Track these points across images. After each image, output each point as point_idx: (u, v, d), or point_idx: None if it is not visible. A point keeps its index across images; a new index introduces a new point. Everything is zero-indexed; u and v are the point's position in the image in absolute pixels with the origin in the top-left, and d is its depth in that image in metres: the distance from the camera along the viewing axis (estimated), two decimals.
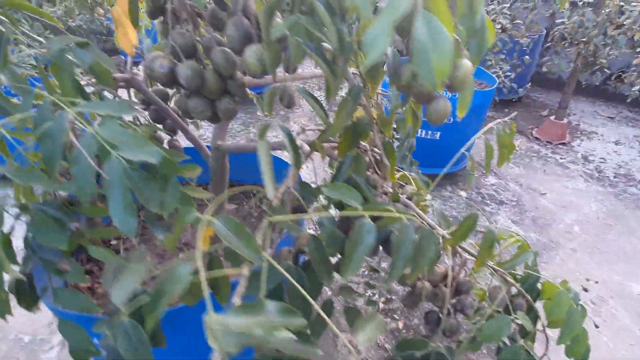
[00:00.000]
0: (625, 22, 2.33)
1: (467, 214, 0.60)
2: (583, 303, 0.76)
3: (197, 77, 0.60)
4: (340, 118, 0.53)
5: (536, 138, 2.98)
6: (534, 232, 2.02)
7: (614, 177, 2.51)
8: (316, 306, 0.44)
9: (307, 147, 0.68)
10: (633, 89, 2.56)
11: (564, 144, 2.91)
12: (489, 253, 0.64)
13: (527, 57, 2.92)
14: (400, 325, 1.43)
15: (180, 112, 0.71)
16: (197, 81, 0.61)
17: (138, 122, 0.84)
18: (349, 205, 0.48)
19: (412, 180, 0.82)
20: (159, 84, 0.91)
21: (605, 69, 2.71)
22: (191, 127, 0.91)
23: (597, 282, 1.57)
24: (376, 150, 0.65)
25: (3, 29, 0.54)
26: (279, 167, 1.15)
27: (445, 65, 0.33)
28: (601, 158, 2.73)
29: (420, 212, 0.58)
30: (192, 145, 0.95)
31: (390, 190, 0.69)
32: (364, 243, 0.45)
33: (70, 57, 0.56)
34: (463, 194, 2.29)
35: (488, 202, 2.26)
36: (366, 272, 1.66)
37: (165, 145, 0.95)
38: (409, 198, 0.72)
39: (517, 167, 2.61)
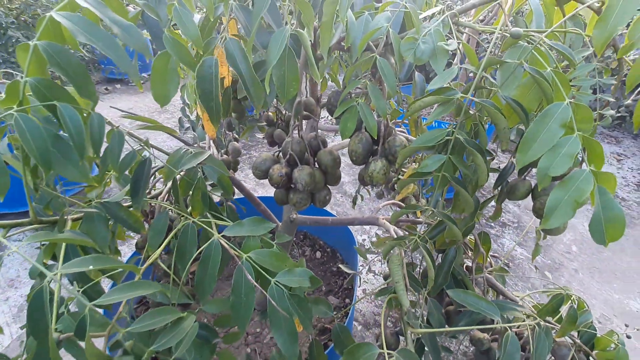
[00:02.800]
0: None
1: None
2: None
3: (312, 181, 0.64)
4: (463, 223, 0.59)
5: None
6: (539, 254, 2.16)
7: None
8: None
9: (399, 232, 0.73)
10: (608, 113, 2.79)
11: None
12: (572, 327, 0.71)
13: None
14: None
15: (276, 201, 0.74)
16: (311, 185, 0.64)
17: None
18: (483, 311, 0.54)
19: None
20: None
21: None
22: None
23: (630, 337, 1.72)
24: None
25: None
26: (349, 238, 1.19)
27: (617, 234, 0.40)
28: None
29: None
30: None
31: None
32: (512, 354, 0.51)
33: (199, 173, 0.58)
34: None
35: (492, 224, 2.40)
36: None
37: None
38: (490, 272, 0.79)
39: None
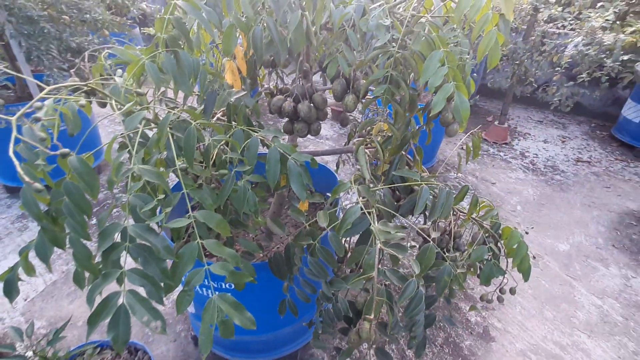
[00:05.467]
0: (546, 49, 3.05)
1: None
2: None
3: (310, 112, 1.02)
4: (400, 131, 0.98)
5: (484, 139, 3.65)
6: None
7: (544, 168, 3.22)
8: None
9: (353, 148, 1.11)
10: (554, 99, 3.29)
11: (506, 143, 3.61)
12: (474, 208, 1.12)
13: (474, 74, 3.59)
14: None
15: (284, 131, 1.11)
16: (309, 115, 1.02)
17: None
18: (413, 179, 0.93)
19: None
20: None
21: (533, 83, 3.43)
22: None
23: (527, 233, 2.18)
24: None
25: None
26: (325, 175, 1.58)
27: (466, 115, 0.79)
28: (534, 154, 3.45)
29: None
30: None
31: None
32: (424, 197, 0.90)
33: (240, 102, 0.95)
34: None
35: (454, 191, 2.84)
36: None
37: None
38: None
39: (471, 163, 3.23)
